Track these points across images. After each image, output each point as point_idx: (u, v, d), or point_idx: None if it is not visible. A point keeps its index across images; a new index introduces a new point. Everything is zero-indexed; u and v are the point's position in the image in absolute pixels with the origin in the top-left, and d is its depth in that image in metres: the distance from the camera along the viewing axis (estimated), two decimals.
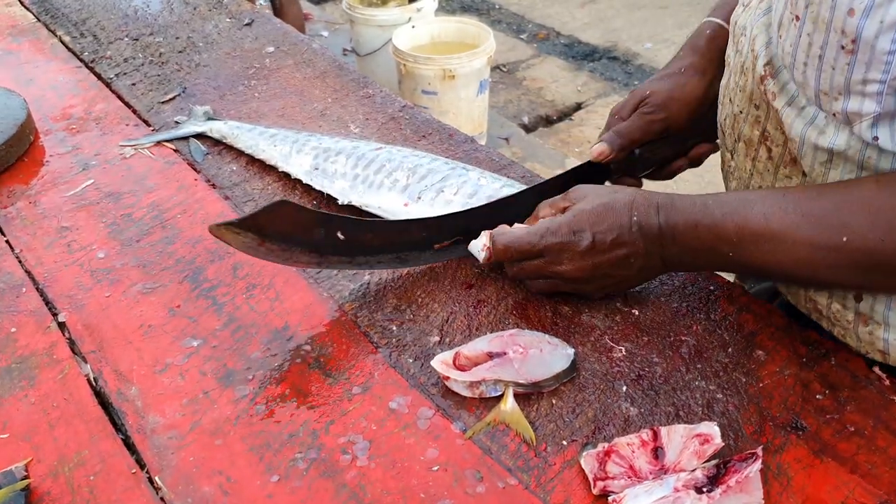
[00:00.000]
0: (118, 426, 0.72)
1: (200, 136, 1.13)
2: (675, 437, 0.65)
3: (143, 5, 1.53)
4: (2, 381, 0.77)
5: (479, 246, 0.81)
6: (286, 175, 1.03)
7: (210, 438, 0.70)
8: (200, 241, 0.94)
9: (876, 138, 0.63)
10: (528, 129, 3.16)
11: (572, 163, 2.84)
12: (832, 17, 0.61)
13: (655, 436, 0.66)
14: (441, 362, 0.74)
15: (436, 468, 0.67)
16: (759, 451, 0.63)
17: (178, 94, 1.24)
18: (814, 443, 0.67)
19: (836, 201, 0.66)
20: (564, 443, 0.68)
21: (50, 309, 0.85)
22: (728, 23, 0.88)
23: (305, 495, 0.65)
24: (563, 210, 0.78)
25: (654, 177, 0.99)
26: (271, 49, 1.36)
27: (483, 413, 0.71)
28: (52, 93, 1.26)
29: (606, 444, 0.66)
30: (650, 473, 0.64)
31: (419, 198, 0.91)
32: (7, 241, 0.96)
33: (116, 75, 1.30)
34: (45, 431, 0.72)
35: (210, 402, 0.73)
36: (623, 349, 0.77)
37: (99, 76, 1.31)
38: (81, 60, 1.35)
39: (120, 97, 1.24)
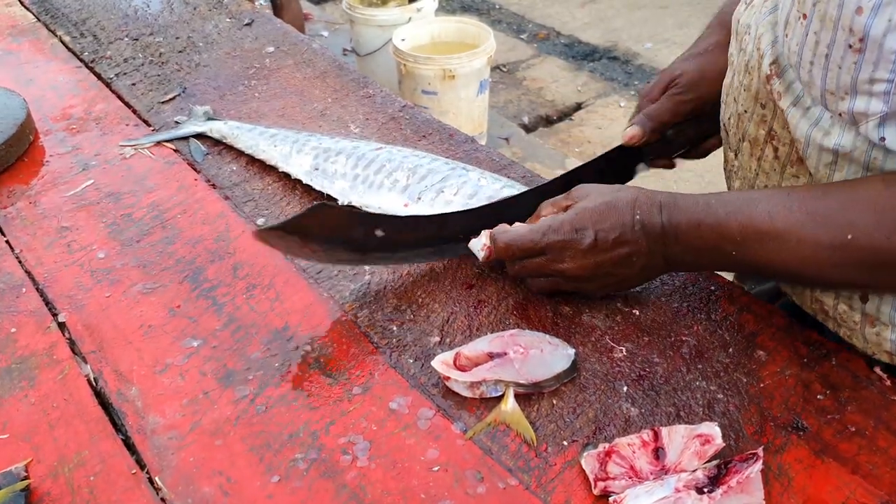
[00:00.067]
0: (118, 426, 0.72)
1: (200, 137, 1.13)
2: (676, 437, 0.65)
3: (143, 5, 1.53)
4: (2, 382, 0.77)
5: (480, 245, 0.81)
6: (286, 175, 1.03)
7: (210, 439, 0.70)
8: (200, 241, 0.94)
9: (883, 139, 0.63)
10: (529, 129, 3.16)
11: (572, 163, 2.84)
12: (840, 16, 0.61)
13: (656, 436, 0.66)
14: (441, 362, 0.74)
15: (436, 468, 0.67)
16: (760, 451, 0.63)
17: (178, 94, 1.24)
18: (815, 443, 0.67)
19: (842, 200, 0.66)
20: (565, 443, 0.68)
21: (50, 309, 0.85)
22: None
23: (306, 496, 0.65)
24: (565, 209, 0.78)
25: (688, 156, 0.98)
26: (271, 49, 1.36)
27: (483, 413, 0.71)
28: (52, 93, 1.26)
29: (607, 445, 0.66)
30: (651, 474, 0.64)
31: (419, 198, 0.91)
32: (7, 242, 0.96)
33: (116, 75, 1.30)
34: (45, 432, 0.72)
35: (210, 403, 0.73)
36: (624, 349, 0.77)
37: (99, 76, 1.30)
38: (81, 60, 1.35)
39: (120, 97, 1.24)
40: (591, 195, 0.77)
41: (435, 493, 0.65)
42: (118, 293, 0.87)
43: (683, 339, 0.78)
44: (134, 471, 0.68)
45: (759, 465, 0.61)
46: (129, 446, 0.70)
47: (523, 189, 0.91)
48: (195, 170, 1.07)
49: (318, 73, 1.28)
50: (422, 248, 0.85)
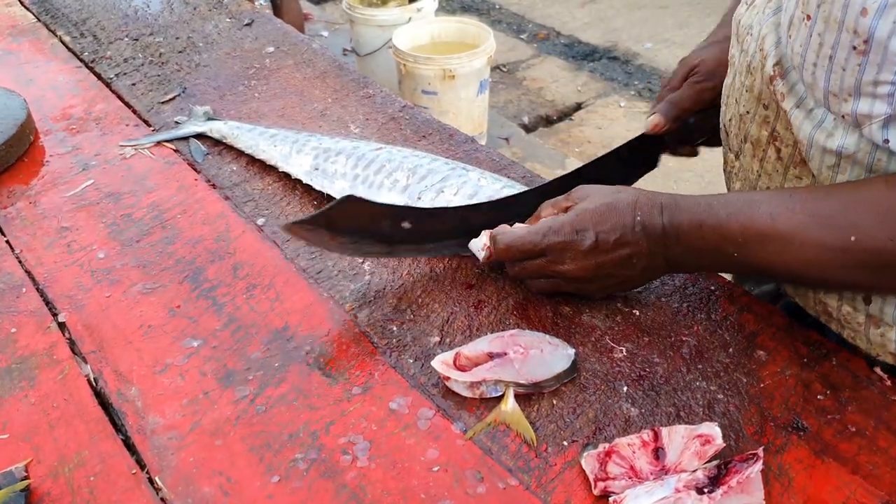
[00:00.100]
0: (118, 427, 0.72)
1: (200, 137, 1.13)
2: (676, 437, 0.65)
3: (143, 5, 1.53)
4: (2, 382, 0.77)
5: (480, 245, 0.81)
6: (286, 175, 1.03)
7: (210, 439, 0.70)
8: (200, 241, 0.94)
9: (886, 140, 0.63)
10: (529, 129, 3.16)
11: (572, 163, 2.84)
12: (844, 17, 0.61)
13: (656, 436, 0.66)
14: (441, 363, 0.74)
15: (436, 469, 0.67)
16: (760, 451, 0.63)
17: (178, 95, 1.24)
18: (815, 443, 0.67)
19: (845, 201, 0.66)
20: (565, 443, 0.68)
21: (50, 309, 0.85)
22: None
23: (306, 496, 0.65)
24: (566, 210, 0.78)
25: (711, 143, 0.98)
26: (271, 49, 1.36)
27: (483, 413, 0.71)
28: (52, 93, 1.26)
29: (607, 445, 0.66)
30: (651, 474, 0.64)
31: (419, 198, 0.91)
32: (7, 242, 0.96)
33: (116, 75, 1.30)
34: (45, 432, 0.72)
35: (210, 403, 0.73)
36: (624, 349, 0.77)
37: (99, 76, 1.30)
38: (81, 60, 1.35)
39: (120, 97, 1.24)
40: (592, 196, 0.77)
41: (435, 493, 0.65)
42: (118, 293, 0.87)
43: (683, 339, 0.78)
44: (134, 471, 0.68)
45: (759, 466, 0.61)
46: (129, 446, 0.70)
47: (525, 189, 0.91)
48: (195, 170, 1.07)
49: (318, 74, 1.28)
50: (448, 239, 0.86)
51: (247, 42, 1.39)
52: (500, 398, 0.72)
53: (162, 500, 0.66)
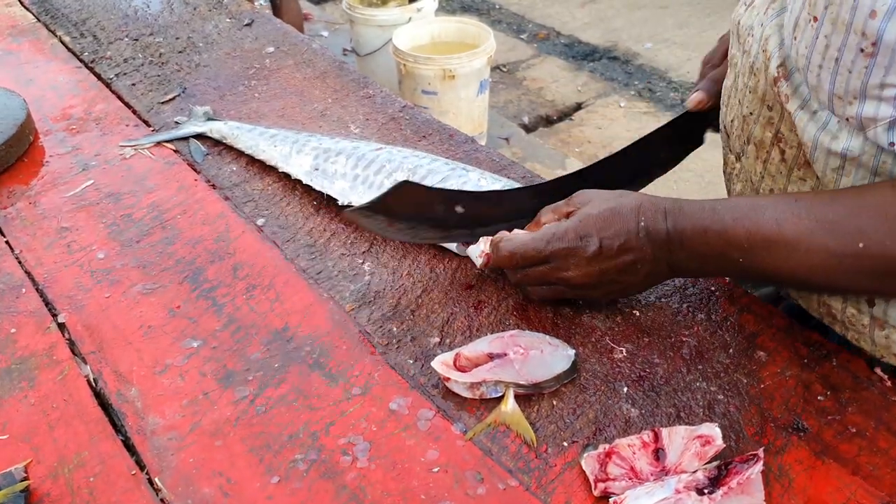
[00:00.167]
0: (118, 427, 0.72)
1: (200, 137, 1.13)
2: (677, 438, 0.65)
3: (143, 5, 1.52)
4: (1, 382, 0.77)
5: (478, 251, 0.81)
6: (286, 175, 1.03)
7: (210, 439, 0.70)
8: (200, 241, 0.94)
9: (892, 143, 0.62)
10: (529, 129, 3.16)
11: (572, 163, 2.84)
12: (852, 19, 0.60)
13: (656, 437, 0.66)
14: (441, 363, 0.74)
15: (436, 469, 0.67)
16: (761, 452, 0.63)
17: (178, 95, 1.23)
18: (815, 444, 0.67)
19: (851, 207, 0.65)
20: (565, 444, 0.68)
21: (50, 310, 0.85)
22: None
23: (305, 497, 0.65)
24: (567, 215, 0.77)
25: None
26: (271, 49, 1.36)
27: (483, 414, 0.71)
28: (51, 93, 1.26)
29: (607, 446, 0.66)
30: (651, 475, 0.64)
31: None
32: (7, 242, 0.96)
33: (116, 75, 1.30)
34: (44, 432, 0.72)
35: (210, 403, 0.73)
36: (624, 350, 0.77)
37: (99, 76, 1.30)
38: (81, 61, 1.35)
39: (120, 97, 1.24)
40: (594, 201, 0.76)
41: (435, 493, 0.65)
42: (118, 294, 0.87)
43: (684, 339, 0.78)
44: (134, 472, 0.68)
45: (759, 466, 0.61)
46: (129, 447, 0.70)
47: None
48: (195, 170, 1.07)
49: (318, 74, 1.28)
50: (500, 223, 0.86)
51: (247, 42, 1.39)
52: (500, 399, 0.72)
53: (161, 500, 0.66)
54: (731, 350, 0.76)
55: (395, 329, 0.80)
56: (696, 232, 0.71)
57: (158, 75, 1.29)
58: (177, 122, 1.16)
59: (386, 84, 1.57)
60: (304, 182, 1.00)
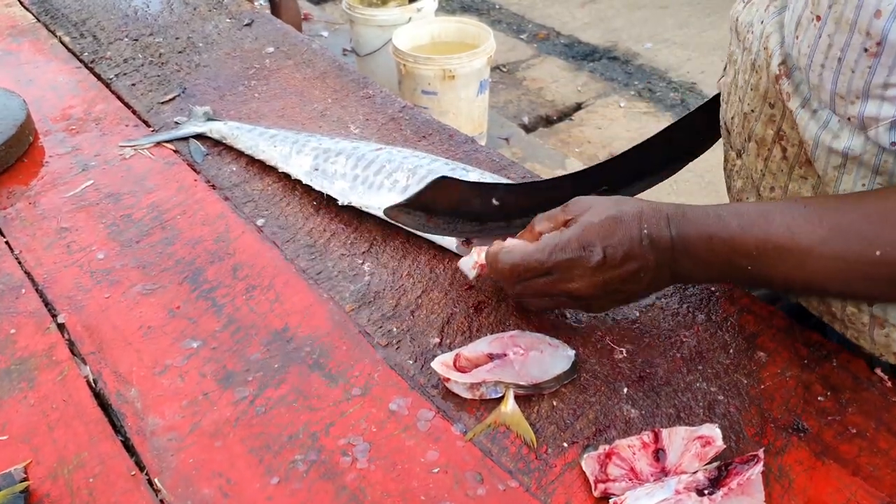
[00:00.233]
0: (118, 428, 0.72)
1: (200, 137, 1.13)
2: (677, 438, 0.65)
3: (142, 6, 1.52)
4: (1, 383, 0.77)
5: (471, 263, 0.80)
6: (286, 176, 1.03)
7: (210, 440, 0.70)
8: (200, 241, 0.93)
9: (894, 143, 0.62)
10: (528, 129, 3.16)
11: (572, 163, 2.83)
12: (857, 18, 0.60)
13: (656, 438, 0.66)
14: (441, 364, 0.74)
15: (436, 470, 0.67)
16: (761, 453, 0.63)
17: (178, 95, 1.23)
18: (815, 445, 0.67)
19: (866, 214, 0.64)
20: (565, 445, 0.68)
21: (49, 310, 0.85)
22: None
23: (305, 497, 0.65)
24: (565, 223, 0.74)
25: None
26: (271, 49, 1.36)
27: (483, 415, 0.71)
28: (51, 93, 1.26)
29: (607, 446, 0.66)
30: (651, 475, 0.64)
31: None
32: (6, 242, 0.96)
33: (116, 76, 1.30)
34: (44, 433, 0.72)
35: (210, 404, 0.73)
36: (624, 351, 0.77)
37: (99, 77, 1.30)
38: (81, 61, 1.35)
39: (120, 98, 1.24)
40: (594, 208, 0.73)
41: (435, 494, 0.65)
42: (118, 294, 0.87)
43: (684, 340, 0.78)
44: (133, 472, 0.68)
45: (759, 467, 0.61)
46: (129, 448, 0.70)
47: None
48: (195, 170, 1.07)
49: (317, 74, 1.28)
50: (535, 213, 0.84)
51: (247, 42, 1.39)
52: (500, 399, 0.72)
53: (161, 501, 0.66)
54: (731, 350, 0.76)
55: (394, 329, 0.80)
56: (702, 239, 0.69)
57: (158, 75, 1.29)
58: (176, 123, 1.16)
59: (386, 84, 1.57)
60: (303, 182, 1.00)
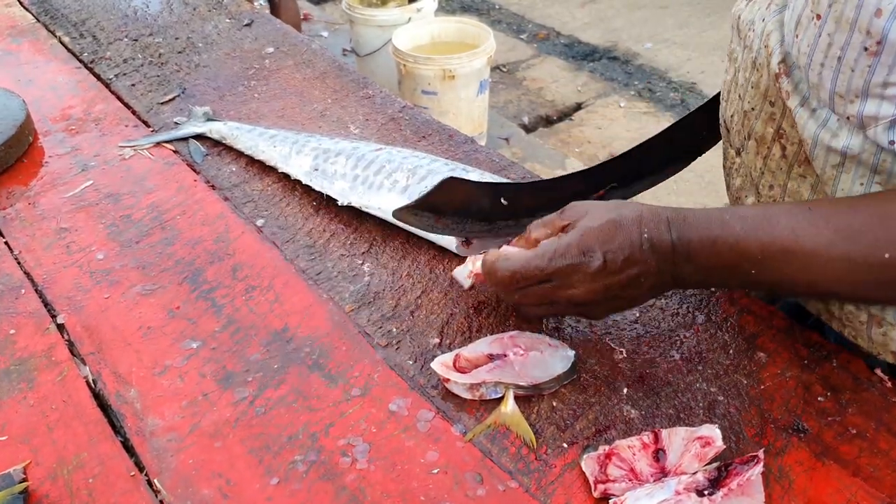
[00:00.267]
0: (117, 428, 0.72)
1: (200, 137, 1.13)
2: (677, 439, 0.65)
3: (142, 6, 1.52)
4: (0, 384, 0.77)
5: (466, 272, 0.78)
6: (286, 176, 1.03)
7: (209, 441, 0.70)
8: (200, 242, 0.93)
9: (892, 142, 0.62)
10: (528, 129, 3.16)
11: (572, 163, 2.83)
12: (857, 17, 0.60)
13: (656, 438, 0.66)
14: (441, 364, 0.74)
15: (436, 471, 0.66)
16: (761, 453, 0.63)
17: (178, 95, 1.23)
18: (815, 445, 0.67)
19: (873, 216, 0.64)
20: (565, 445, 0.68)
21: (49, 310, 0.85)
22: None
23: (305, 498, 0.65)
24: (563, 229, 0.73)
25: None
26: (271, 50, 1.36)
27: (483, 415, 0.71)
28: (51, 93, 1.26)
29: (607, 447, 0.66)
30: (651, 476, 0.64)
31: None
32: (6, 243, 0.96)
33: (116, 76, 1.30)
34: (43, 434, 0.72)
35: (209, 405, 0.73)
36: (624, 351, 0.77)
37: (98, 77, 1.30)
38: (81, 61, 1.35)
39: (119, 98, 1.24)
40: (591, 213, 0.72)
41: (434, 495, 0.65)
42: (117, 294, 0.87)
43: (684, 340, 0.78)
44: (133, 473, 0.68)
45: (759, 468, 0.61)
46: (128, 448, 0.70)
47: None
48: (194, 171, 1.07)
49: (317, 74, 1.28)
50: (544, 211, 0.84)
51: (246, 42, 1.39)
52: (499, 400, 0.72)
53: (161, 502, 0.66)
54: (731, 351, 0.76)
55: (394, 330, 0.80)
56: (704, 242, 0.68)
57: (158, 76, 1.29)
58: (176, 123, 1.16)
59: (386, 84, 1.57)
60: (303, 182, 1.00)
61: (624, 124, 3.15)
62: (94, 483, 0.67)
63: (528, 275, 0.72)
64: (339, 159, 0.99)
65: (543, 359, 0.74)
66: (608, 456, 0.65)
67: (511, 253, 0.74)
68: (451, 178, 0.82)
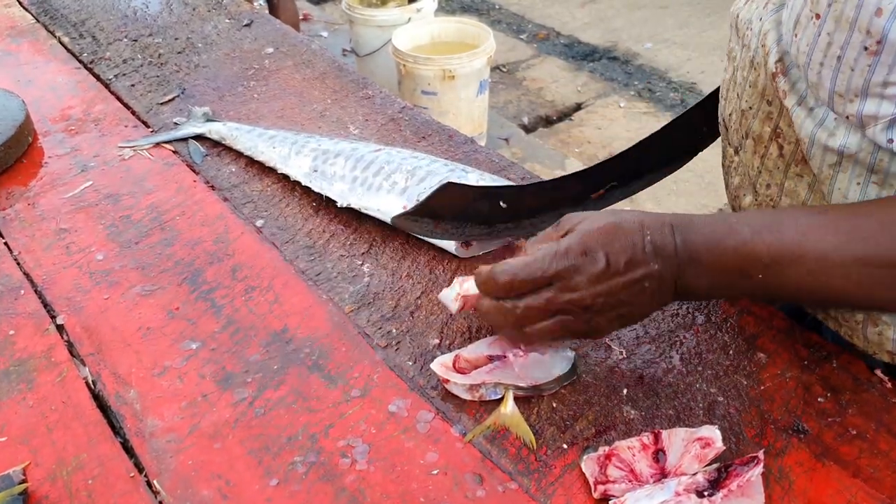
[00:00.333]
0: (116, 429, 0.72)
1: (199, 138, 1.12)
2: (677, 440, 0.65)
3: (142, 6, 1.52)
4: (0, 384, 0.77)
5: (452, 295, 0.75)
6: (285, 177, 1.02)
7: (209, 442, 0.70)
8: (199, 242, 0.93)
9: (891, 140, 0.62)
10: (528, 129, 3.16)
11: (572, 163, 2.83)
12: (857, 17, 0.60)
13: (656, 439, 0.66)
14: (441, 365, 0.73)
15: (435, 472, 0.66)
16: (761, 454, 0.63)
17: (177, 96, 1.23)
18: (815, 446, 0.67)
19: (880, 220, 0.64)
20: (565, 446, 0.68)
21: (48, 311, 0.85)
22: None
23: (304, 499, 0.65)
24: (562, 237, 0.70)
25: None
26: (270, 50, 1.36)
27: (483, 416, 0.71)
28: (50, 94, 1.26)
29: (607, 448, 0.66)
30: (651, 477, 0.64)
31: (418, 200, 0.91)
32: (6, 243, 0.96)
33: (115, 76, 1.30)
34: (43, 435, 0.72)
35: (209, 405, 0.73)
36: (623, 352, 0.77)
37: (98, 77, 1.30)
38: (80, 61, 1.35)
39: (119, 98, 1.24)
40: (591, 218, 0.70)
41: (434, 496, 0.64)
42: (117, 295, 0.86)
43: (683, 341, 0.78)
44: (132, 474, 0.68)
45: (759, 469, 0.61)
46: (128, 449, 0.70)
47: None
48: (194, 171, 1.07)
49: (317, 74, 1.28)
50: (544, 213, 0.86)
51: (246, 43, 1.39)
52: (499, 401, 0.72)
53: (160, 503, 0.65)
54: (730, 352, 0.76)
55: (394, 330, 0.80)
56: (710, 246, 0.66)
57: (157, 76, 1.29)
58: (176, 123, 1.16)
59: (385, 84, 1.57)
60: (303, 183, 1.00)
61: (624, 124, 3.15)
62: (94, 484, 0.67)
63: (530, 277, 0.68)
64: (338, 161, 0.99)
65: (543, 360, 0.74)
66: (608, 457, 0.65)
67: (509, 260, 0.71)
68: (449, 183, 0.82)
